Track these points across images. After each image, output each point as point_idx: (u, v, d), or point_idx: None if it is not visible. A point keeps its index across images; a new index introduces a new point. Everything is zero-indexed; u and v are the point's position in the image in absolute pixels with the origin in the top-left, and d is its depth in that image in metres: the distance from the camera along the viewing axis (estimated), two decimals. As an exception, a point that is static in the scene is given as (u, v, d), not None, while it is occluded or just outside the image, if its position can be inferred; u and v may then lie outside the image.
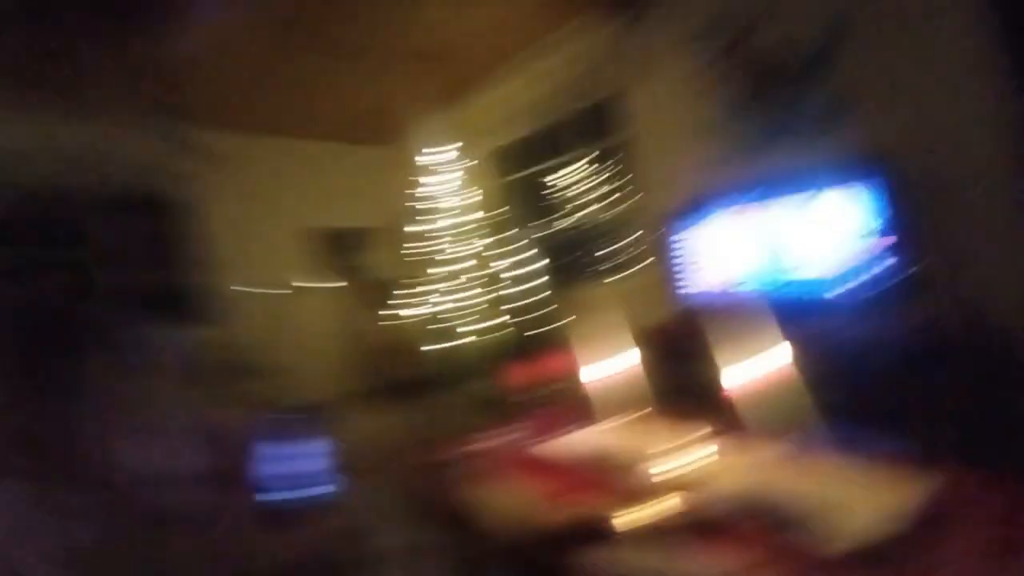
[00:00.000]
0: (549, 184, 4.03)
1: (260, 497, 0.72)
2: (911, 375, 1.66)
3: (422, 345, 3.77)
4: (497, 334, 3.32)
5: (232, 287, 4.34)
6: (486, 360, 3.37)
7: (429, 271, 3.69)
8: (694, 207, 2.54)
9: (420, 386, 3.90)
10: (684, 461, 1.30)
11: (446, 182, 3.76)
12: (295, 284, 4.62)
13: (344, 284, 4.75)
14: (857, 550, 0.86)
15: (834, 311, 2.00)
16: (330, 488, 0.75)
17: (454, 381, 3.52)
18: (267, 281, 4.52)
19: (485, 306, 3.43)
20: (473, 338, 3.44)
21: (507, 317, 3.41)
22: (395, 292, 3.99)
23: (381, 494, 1.85)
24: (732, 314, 1.64)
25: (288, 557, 0.85)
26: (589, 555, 1.06)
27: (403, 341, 4.22)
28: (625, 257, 3.21)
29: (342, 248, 4.89)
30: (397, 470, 1.76)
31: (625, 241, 3.27)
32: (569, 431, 1.67)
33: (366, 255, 4.84)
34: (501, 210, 3.78)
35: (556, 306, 3.25)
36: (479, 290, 3.54)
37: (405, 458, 1.77)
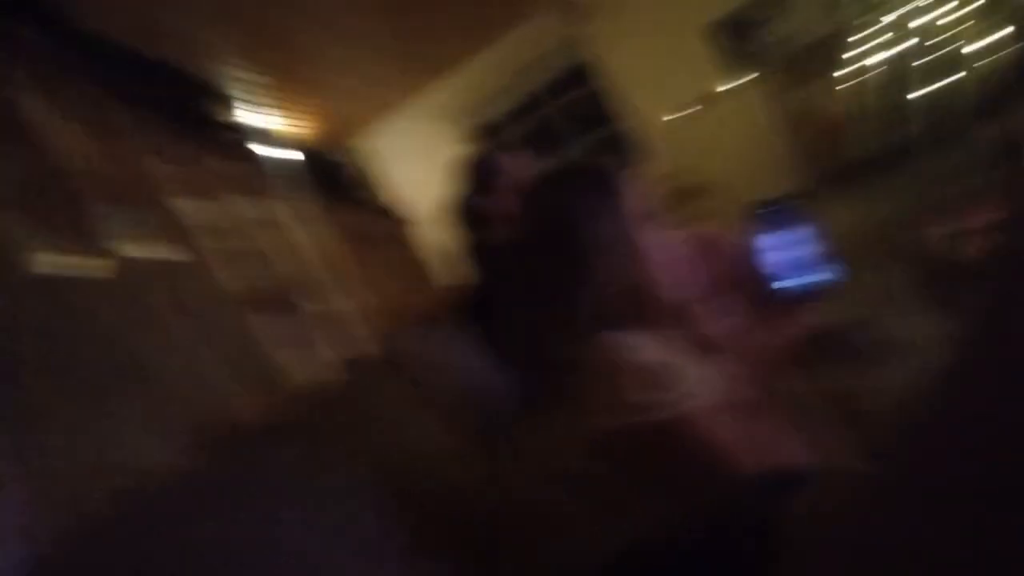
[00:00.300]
0: None
1: (769, 290, 0.79)
2: None
3: (892, 102, 3.04)
4: (1001, 53, 2.35)
5: (656, 119, 4.54)
6: (993, 94, 2.52)
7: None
8: None
9: (902, 151, 3.30)
10: None
11: None
12: (717, 90, 4.36)
13: (766, 68, 4.24)
14: None
15: None
16: (832, 275, 0.74)
17: (952, 131, 2.79)
18: (689, 97, 4.49)
19: (971, 23, 2.45)
20: (965, 72, 2.54)
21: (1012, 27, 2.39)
22: (832, 52, 3.36)
23: (887, 279, 1.76)
24: None
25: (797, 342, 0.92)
26: None
27: (862, 107, 3.56)
28: None
29: (748, 30, 4.31)
30: (899, 251, 1.61)
31: None
32: None
33: (778, 27, 4.12)
34: None
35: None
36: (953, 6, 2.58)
37: (906, 237, 1.59)
